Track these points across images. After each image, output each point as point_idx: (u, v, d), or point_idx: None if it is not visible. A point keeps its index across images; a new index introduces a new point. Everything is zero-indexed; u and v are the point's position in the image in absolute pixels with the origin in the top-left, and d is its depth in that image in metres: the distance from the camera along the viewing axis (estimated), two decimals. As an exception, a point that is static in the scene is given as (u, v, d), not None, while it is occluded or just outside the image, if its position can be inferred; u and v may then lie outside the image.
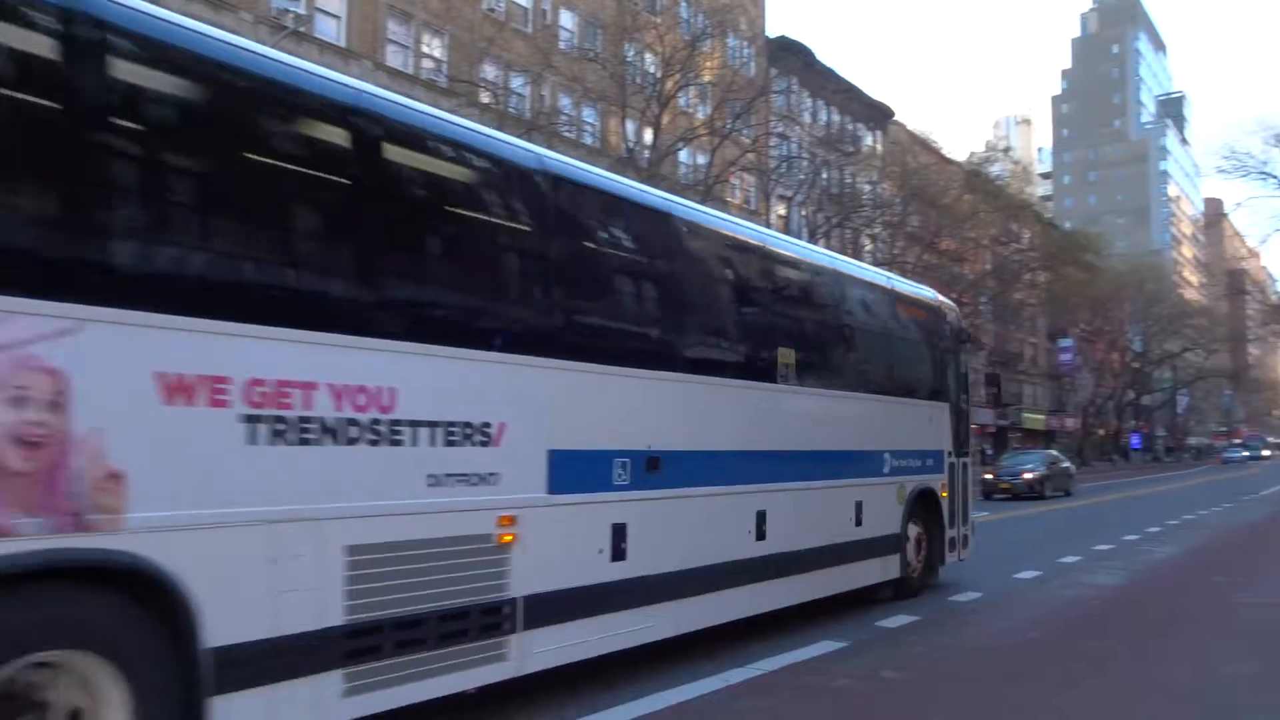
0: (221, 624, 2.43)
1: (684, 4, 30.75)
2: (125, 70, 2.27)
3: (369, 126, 2.83)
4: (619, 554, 3.85)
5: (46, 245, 2.23)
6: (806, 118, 42.58)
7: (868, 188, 38.97)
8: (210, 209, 2.48)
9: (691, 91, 31.11)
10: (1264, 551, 13.61)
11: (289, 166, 2.68)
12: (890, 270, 39.60)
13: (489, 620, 3.27)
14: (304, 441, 2.45)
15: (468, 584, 3.15)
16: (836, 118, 45.99)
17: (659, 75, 26.53)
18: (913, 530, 7.51)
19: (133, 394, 2.25)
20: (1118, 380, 74.89)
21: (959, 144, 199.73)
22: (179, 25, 2.41)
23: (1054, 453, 31.28)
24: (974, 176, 42.39)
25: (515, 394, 3.32)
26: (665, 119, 26.83)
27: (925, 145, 45.92)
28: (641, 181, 14.85)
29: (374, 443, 2.62)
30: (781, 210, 39.78)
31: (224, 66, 2.55)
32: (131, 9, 2.35)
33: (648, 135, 27.29)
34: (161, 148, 2.35)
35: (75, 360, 2.12)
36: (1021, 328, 67.10)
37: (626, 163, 25.27)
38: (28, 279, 2.15)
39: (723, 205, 36.10)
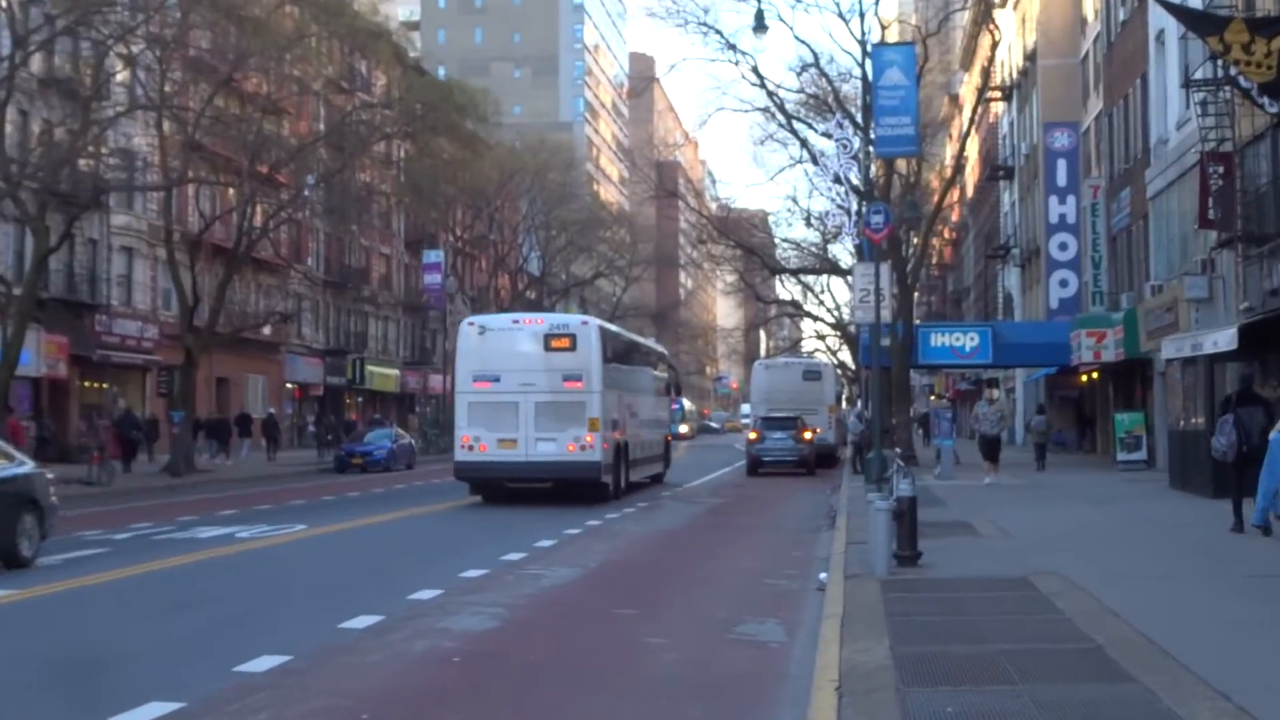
0: (631, 451, 31.84)
1: None
2: (618, 348, 32.71)
3: (626, 345, 34.75)
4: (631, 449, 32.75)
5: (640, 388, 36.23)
6: None
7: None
8: (626, 368, 32.90)
9: None
10: (680, 573, 17.16)
11: (636, 361, 35.35)
12: (166, 115, 39.61)
13: (659, 465, 37.59)
14: (632, 412, 32.69)
15: (653, 451, 36.19)
16: None
17: None
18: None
19: (617, 399, 31.26)
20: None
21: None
22: (619, 331, 37.31)
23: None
24: (301, -23, 44.10)
25: (648, 404, 37.05)
26: None
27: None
28: None
29: (635, 414, 33.32)
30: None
31: (619, 336, 35.11)
32: (614, 330, 34.83)
33: None
34: (623, 360, 32.78)
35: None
36: (370, 229, 71.76)
37: None
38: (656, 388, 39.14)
39: None
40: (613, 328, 33.12)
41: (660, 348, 44.59)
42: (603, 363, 29.17)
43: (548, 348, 28.93)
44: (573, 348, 28.91)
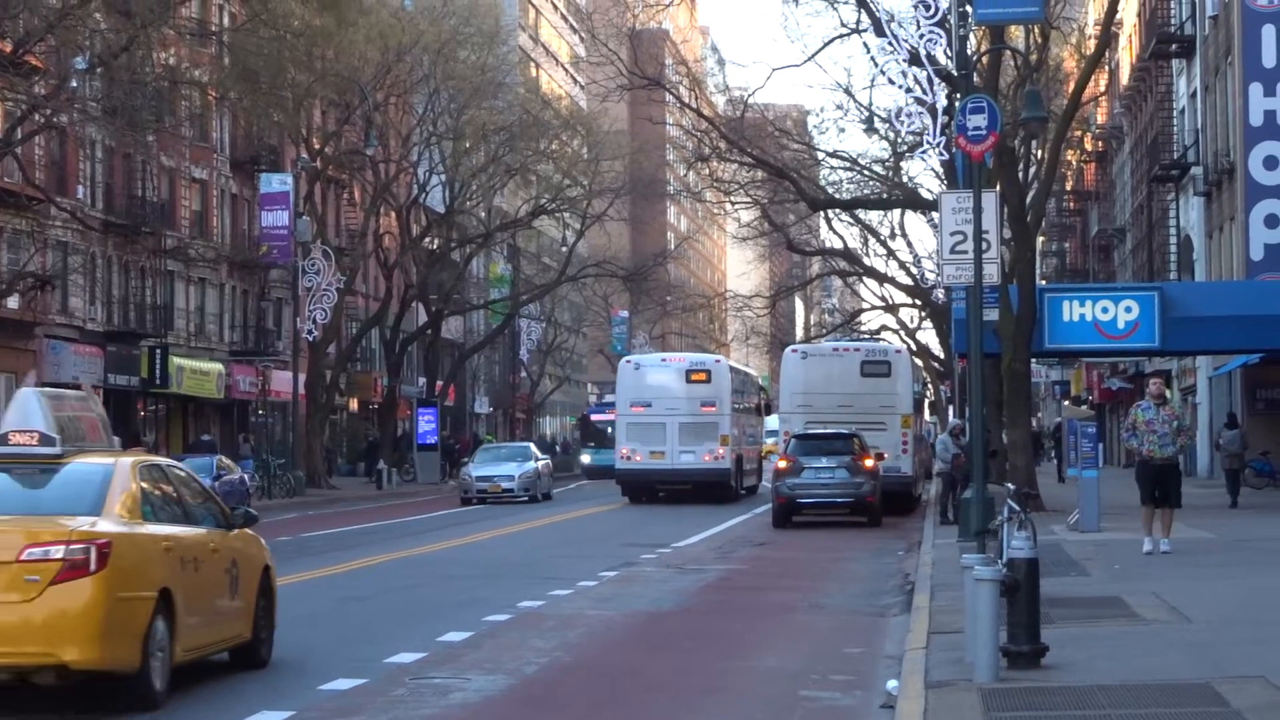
0: (737, 461, 67.40)
1: None
2: (737, 379, 74.03)
3: (742, 377, 78.28)
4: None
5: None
6: None
7: None
8: (740, 395, 71.91)
9: None
10: (662, 687, 17.30)
11: (744, 389, 76.01)
12: None
13: (755, 477, 74.20)
14: (743, 431, 70.70)
15: (753, 464, 75.03)
16: None
17: None
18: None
19: (736, 419, 69.80)
20: (398, 280, 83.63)
21: None
22: (738, 365, 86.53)
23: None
24: None
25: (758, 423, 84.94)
26: None
27: None
28: None
29: (745, 433, 72.15)
30: None
31: (738, 369, 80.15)
32: (735, 365, 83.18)
33: None
34: (739, 389, 71.82)
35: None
36: (176, 141, 71.33)
37: None
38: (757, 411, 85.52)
39: None
40: (734, 364, 75.06)
41: (753, 371, 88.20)
42: (730, 392, 62.64)
43: (688, 380, 62.68)
44: (708, 380, 62.64)
